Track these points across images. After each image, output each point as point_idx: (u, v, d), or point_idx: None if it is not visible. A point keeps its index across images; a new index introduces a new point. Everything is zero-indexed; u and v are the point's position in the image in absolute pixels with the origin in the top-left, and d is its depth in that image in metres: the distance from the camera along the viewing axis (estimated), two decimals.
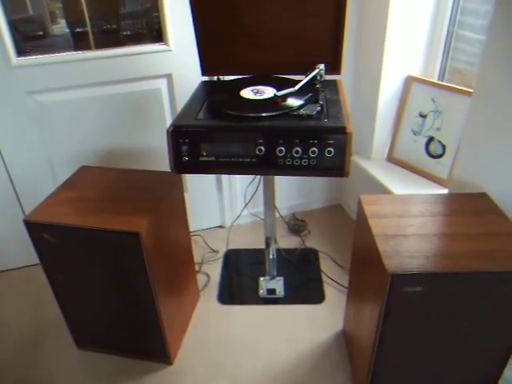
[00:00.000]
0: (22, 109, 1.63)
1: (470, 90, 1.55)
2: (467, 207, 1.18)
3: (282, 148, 1.13)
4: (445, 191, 1.65)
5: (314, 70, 1.24)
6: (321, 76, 1.25)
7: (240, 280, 1.84)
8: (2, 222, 1.82)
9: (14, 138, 1.68)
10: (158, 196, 1.33)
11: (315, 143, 1.12)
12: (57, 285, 1.38)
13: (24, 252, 1.87)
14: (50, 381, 1.45)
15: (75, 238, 1.24)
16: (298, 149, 1.13)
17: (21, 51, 1.58)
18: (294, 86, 1.21)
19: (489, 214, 1.14)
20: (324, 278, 1.82)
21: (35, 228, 1.25)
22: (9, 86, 1.58)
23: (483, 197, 1.23)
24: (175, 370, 1.47)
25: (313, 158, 1.13)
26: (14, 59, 1.56)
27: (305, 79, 1.23)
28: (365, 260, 1.21)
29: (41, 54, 1.60)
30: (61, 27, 1.63)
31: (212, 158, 1.18)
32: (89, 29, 1.63)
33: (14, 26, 1.54)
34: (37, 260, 1.32)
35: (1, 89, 1.58)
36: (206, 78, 1.55)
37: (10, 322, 1.69)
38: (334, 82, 1.44)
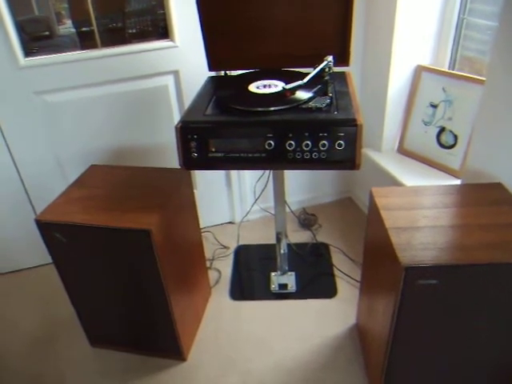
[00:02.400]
0: (30, 109, 1.64)
1: (482, 78, 1.52)
2: (481, 198, 1.16)
3: (292, 142, 1.12)
4: (457, 182, 1.63)
5: (322, 62, 1.22)
6: (329, 68, 1.23)
7: (251, 275, 1.84)
8: (14, 221, 1.84)
9: (24, 138, 1.68)
10: (168, 193, 1.32)
11: (325, 136, 1.10)
12: (69, 283, 1.39)
13: (36, 251, 1.88)
14: (64, 377, 1.47)
15: (86, 237, 1.24)
16: (308, 142, 1.11)
17: (28, 52, 1.58)
18: (302, 79, 1.19)
19: (504, 205, 1.12)
20: (336, 272, 1.81)
21: (47, 227, 1.25)
22: (17, 86, 1.59)
23: (498, 187, 1.20)
24: (188, 366, 1.47)
25: (323, 151, 1.12)
26: (22, 60, 1.56)
27: (313, 72, 1.21)
28: (377, 253, 1.19)
29: (48, 54, 1.60)
30: (67, 27, 1.63)
31: (221, 154, 1.17)
32: (95, 28, 1.63)
33: (20, 27, 1.54)
34: (48, 259, 1.33)
35: (9, 89, 1.58)
36: (213, 74, 1.54)
37: (23, 320, 1.70)
38: (342, 73, 1.43)
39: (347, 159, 1.13)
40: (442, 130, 1.71)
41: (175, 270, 1.35)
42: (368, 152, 1.96)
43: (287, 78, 1.29)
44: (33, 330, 1.66)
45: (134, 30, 1.69)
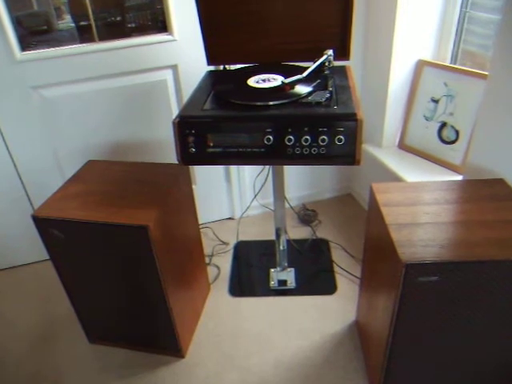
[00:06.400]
0: (27, 104, 1.63)
1: (484, 73, 1.50)
2: (483, 194, 1.15)
3: (291, 137, 1.11)
4: (459, 178, 1.61)
5: (322, 56, 1.21)
6: (329, 62, 1.22)
7: (250, 272, 1.83)
8: (12, 217, 1.83)
9: (21, 133, 1.67)
10: (166, 189, 1.31)
11: (325, 131, 1.09)
12: (67, 280, 1.38)
13: (33, 248, 1.88)
14: (63, 374, 1.46)
15: (84, 233, 1.23)
16: (308, 137, 1.10)
17: (26, 46, 1.57)
18: (302, 73, 1.18)
19: (506, 201, 1.11)
20: (336, 268, 1.80)
21: (43, 223, 1.24)
22: (14, 80, 1.57)
23: (500, 183, 1.19)
24: (187, 363, 1.46)
25: (322, 146, 1.10)
26: (18, 54, 1.55)
27: (313, 66, 1.20)
28: (378, 250, 1.18)
29: (45, 48, 1.59)
30: (66, 22, 1.61)
31: (219, 149, 1.16)
32: (92, 22, 1.62)
33: (18, 21, 1.53)
34: (46, 255, 1.32)
35: (6, 84, 1.57)
36: (211, 68, 1.52)
37: (20, 317, 1.70)
38: (343, 68, 1.41)
39: (347, 154, 1.11)
40: (444, 125, 1.70)
41: (174, 266, 1.34)
42: (368, 147, 1.94)
43: (286, 72, 1.28)
44: (30, 327, 1.65)
45: (133, 24, 1.68)
